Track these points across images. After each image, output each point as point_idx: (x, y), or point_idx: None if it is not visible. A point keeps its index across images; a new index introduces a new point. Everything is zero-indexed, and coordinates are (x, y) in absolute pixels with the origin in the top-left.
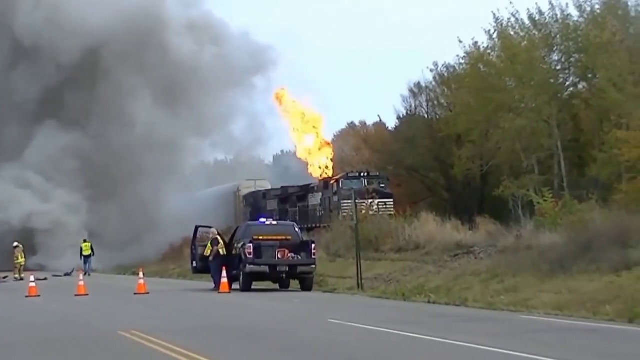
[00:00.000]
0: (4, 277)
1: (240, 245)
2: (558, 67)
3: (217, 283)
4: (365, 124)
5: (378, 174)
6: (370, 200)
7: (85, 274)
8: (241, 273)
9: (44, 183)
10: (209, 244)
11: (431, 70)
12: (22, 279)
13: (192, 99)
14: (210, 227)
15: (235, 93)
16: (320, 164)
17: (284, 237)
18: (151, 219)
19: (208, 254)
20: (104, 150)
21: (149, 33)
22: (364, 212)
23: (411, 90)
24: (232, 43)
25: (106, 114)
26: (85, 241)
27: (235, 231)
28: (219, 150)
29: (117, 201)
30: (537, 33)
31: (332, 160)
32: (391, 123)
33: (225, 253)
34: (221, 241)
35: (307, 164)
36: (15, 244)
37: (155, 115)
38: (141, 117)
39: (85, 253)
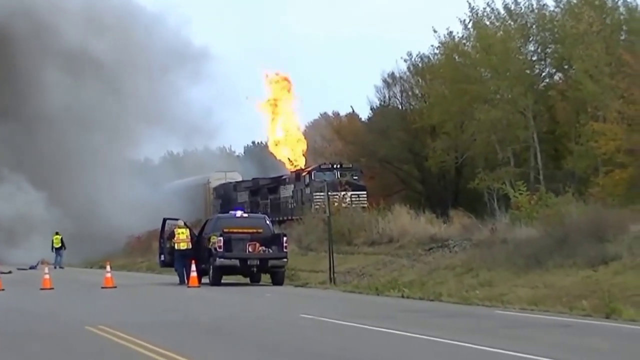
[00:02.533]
0: None
1: (209, 238)
2: (534, 58)
3: (181, 277)
4: (338, 114)
5: (351, 165)
6: (342, 193)
7: (55, 267)
8: (211, 267)
9: None
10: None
11: (405, 61)
12: None
13: (116, 84)
14: (177, 220)
15: (167, 80)
16: (290, 156)
17: (254, 230)
18: (105, 210)
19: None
20: (38, 140)
21: (45, 15)
22: (336, 204)
23: (385, 81)
24: (146, 30)
25: (29, 103)
26: (57, 233)
27: (205, 224)
28: (171, 139)
29: (64, 192)
30: (512, 23)
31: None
32: (364, 114)
33: (190, 246)
34: (179, 235)
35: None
36: None
37: (77, 101)
38: (58, 103)
39: (55, 245)
